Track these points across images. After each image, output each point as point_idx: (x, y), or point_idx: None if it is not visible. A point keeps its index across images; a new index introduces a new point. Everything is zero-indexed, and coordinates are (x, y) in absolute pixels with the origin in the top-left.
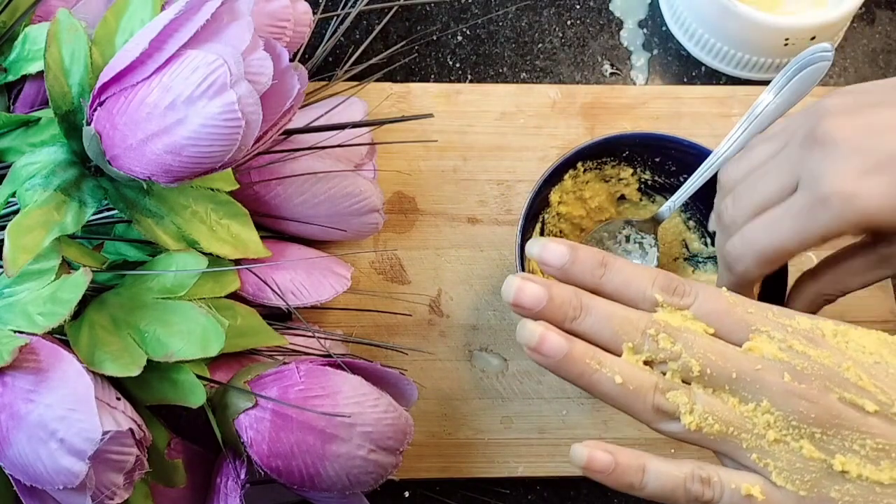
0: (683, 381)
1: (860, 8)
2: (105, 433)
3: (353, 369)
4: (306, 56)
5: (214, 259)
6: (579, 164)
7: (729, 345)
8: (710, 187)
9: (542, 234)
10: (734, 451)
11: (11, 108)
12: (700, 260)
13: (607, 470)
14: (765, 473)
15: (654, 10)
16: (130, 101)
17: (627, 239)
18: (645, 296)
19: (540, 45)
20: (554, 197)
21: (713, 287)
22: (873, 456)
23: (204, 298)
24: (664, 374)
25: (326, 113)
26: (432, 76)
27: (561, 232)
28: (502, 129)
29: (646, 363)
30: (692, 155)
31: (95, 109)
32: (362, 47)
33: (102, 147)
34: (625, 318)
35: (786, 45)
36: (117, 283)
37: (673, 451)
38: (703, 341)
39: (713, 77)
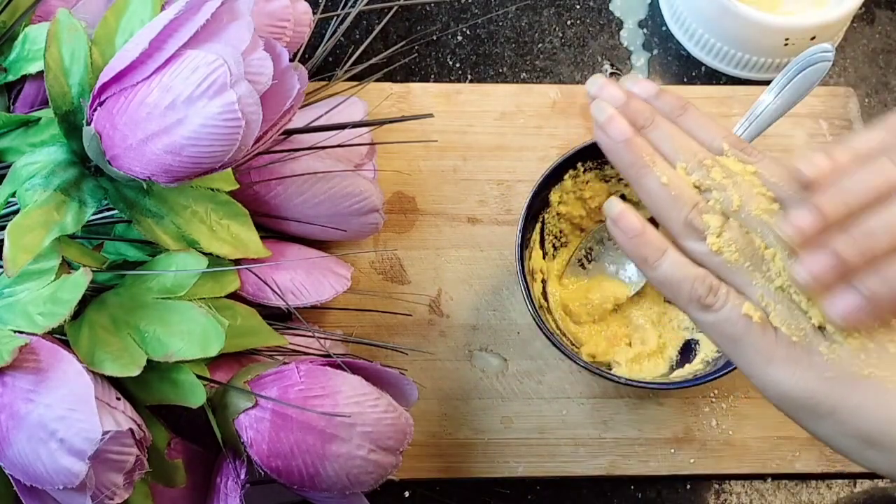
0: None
1: (860, 8)
2: (105, 433)
3: (353, 369)
4: (306, 56)
5: (214, 259)
6: (579, 164)
7: (773, 202)
8: None
9: (542, 234)
10: (744, 285)
11: (11, 107)
12: None
13: (633, 232)
14: (766, 311)
15: (654, 10)
16: (130, 101)
17: None
18: (713, 144)
19: (540, 45)
20: (554, 197)
21: (780, 162)
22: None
23: (204, 298)
24: (707, 201)
25: (326, 113)
26: (432, 76)
27: (561, 232)
28: (502, 129)
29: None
30: None
31: (95, 109)
32: (362, 47)
33: (102, 147)
34: (687, 143)
35: (786, 45)
36: (117, 283)
37: (673, 450)
38: (751, 188)
39: (713, 77)
